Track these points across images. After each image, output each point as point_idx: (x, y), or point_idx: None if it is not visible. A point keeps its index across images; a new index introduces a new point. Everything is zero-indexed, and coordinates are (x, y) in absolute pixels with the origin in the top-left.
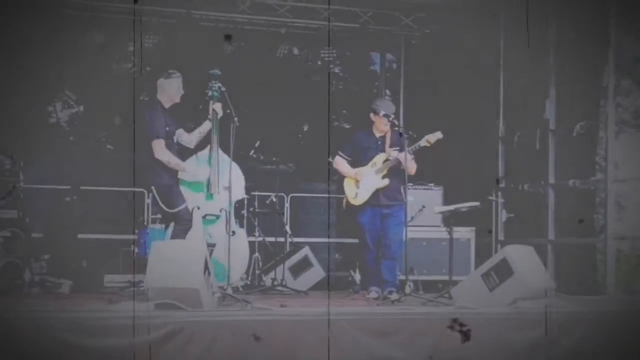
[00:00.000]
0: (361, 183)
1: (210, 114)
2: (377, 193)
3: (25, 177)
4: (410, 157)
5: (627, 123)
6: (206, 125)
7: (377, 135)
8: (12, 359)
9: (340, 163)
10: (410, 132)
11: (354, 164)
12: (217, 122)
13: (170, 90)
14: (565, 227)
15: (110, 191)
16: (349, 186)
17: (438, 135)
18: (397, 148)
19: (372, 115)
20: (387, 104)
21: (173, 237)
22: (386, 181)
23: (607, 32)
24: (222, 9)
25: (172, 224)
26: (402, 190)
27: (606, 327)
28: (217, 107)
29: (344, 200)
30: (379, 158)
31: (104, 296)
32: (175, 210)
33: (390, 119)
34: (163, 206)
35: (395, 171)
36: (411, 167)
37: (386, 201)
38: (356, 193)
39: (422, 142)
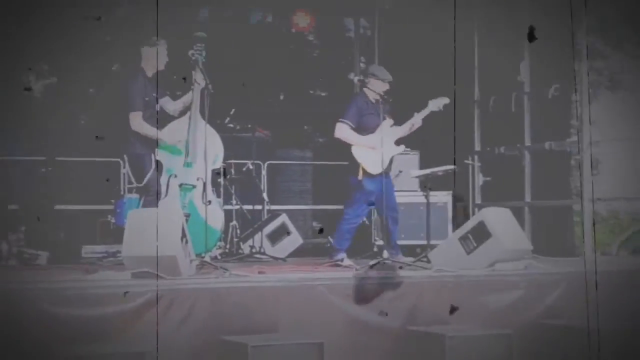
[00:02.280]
0: (377, 151)
1: (193, 84)
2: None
3: (1, 148)
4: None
5: (601, 85)
6: (189, 95)
7: (373, 101)
8: None
9: (346, 130)
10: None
11: (357, 131)
12: (198, 92)
13: (154, 57)
14: (542, 189)
15: (86, 161)
16: (362, 154)
17: (445, 100)
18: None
19: (369, 80)
20: (382, 70)
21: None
22: (401, 147)
23: None
24: None
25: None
26: None
27: (583, 288)
28: (199, 77)
29: (360, 170)
30: (406, 125)
31: (81, 267)
32: (143, 183)
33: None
34: (132, 179)
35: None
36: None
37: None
38: (373, 161)
39: (433, 107)
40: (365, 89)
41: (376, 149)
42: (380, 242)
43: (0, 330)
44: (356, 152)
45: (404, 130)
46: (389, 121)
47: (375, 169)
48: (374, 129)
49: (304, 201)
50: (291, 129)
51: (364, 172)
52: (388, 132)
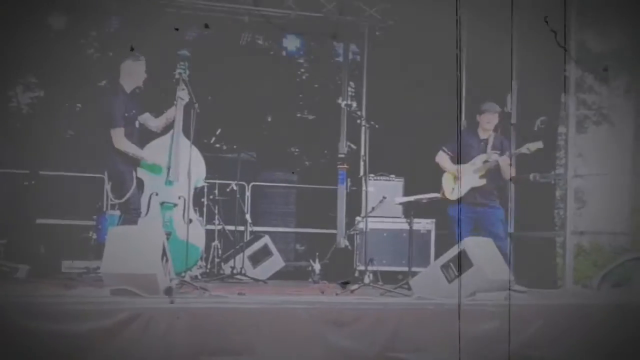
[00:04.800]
0: (460, 180)
1: (176, 100)
2: (473, 191)
3: None
4: (508, 161)
5: (589, 119)
6: (172, 111)
7: (481, 137)
8: None
9: (443, 158)
10: (372, 123)
11: (455, 161)
12: (180, 109)
13: (133, 73)
14: (525, 220)
15: (70, 176)
16: (447, 181)
17: (539, 144)
18: (498, 152)
19: (477, 116)
20: (492, 105)
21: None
22: (483, 181)
23: (568, 28)
24: None
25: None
26: (495, 192)
27: (562, 321)
28: (183, 93)
29: (441, 193)
30: (479, 158)
31: (61, 282)
32: (123, 199)
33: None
34: (111, 196)
35: (493, 173)
36: (507, 170)
37: (481, 200)
38: (453, 188)
39: (524, 149)
40: (479, 130)
41: (460, 178)
42: (362, 267)
43: None
44: (444, 177)
45: (490, 165)
46: (482, 157)
47: (452, 195)
48: (468, 161)
49: (288, 224)
50: (277, 151)
51: (443, 195)
52: (478, 164)
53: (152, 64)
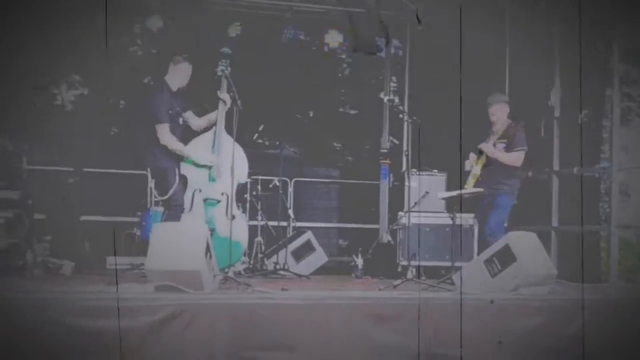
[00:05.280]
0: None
1: (219, 101)
2: (477, 182)
3: (29, 158)
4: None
5: (633, 111)
6: (214, 114)
7: (493, 129)
8: (14, 340)
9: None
10: (415, 118)
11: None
12: (223, 111)
13: (182, 74)
14: (570, 214)
15: (114, 173)
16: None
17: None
18: (504, 142)
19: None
20: (493, 97)
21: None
22: (477, 170)
23: (612, 21)
24: None
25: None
26: (499, 179)
27: (607, 316)
28: (225, 96)
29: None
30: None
31: (105, 278)
32: (166, 196)
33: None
34: (155, 193)
35: (493, 161)
36: (503, 157)
37: (485, 189)
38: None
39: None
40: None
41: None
42: (405, 262)
43: (21, 339)
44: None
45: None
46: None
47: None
48: None
49: (330, 219)
50: (320, 146)
51: None
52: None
53: (195, 61)
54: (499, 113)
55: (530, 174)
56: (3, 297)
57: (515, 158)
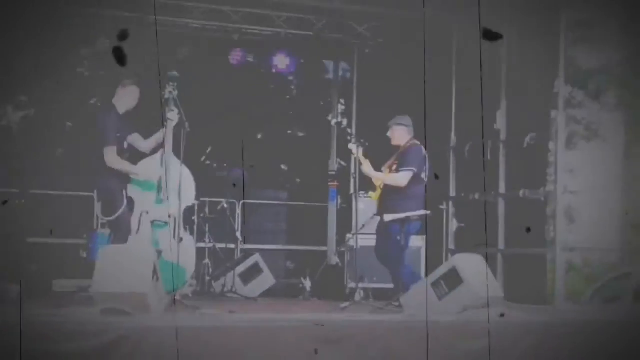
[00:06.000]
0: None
1: (165, 121)
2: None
3: None
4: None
5: (578, 135)
6: (162, 134)
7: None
8: None
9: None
10: (362, 140)
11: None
12: (170, 130)
13: (127, 98)
14: (516, 237)
15: (60, 195)
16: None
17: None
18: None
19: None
20: (396, 119)
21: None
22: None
23: (557, 45)
24: (176, 15)
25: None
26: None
27: (553, 338)
28: (172, 115)
29: None
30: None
31: (52, 301)
32: (113, 218)
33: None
34: (101, 215)
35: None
36: (385, 178)
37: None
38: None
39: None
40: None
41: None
42: (353, 285)
43: None
44: None
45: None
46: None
47: None
48: None
49: (278, 241)
50: (268, 169)
51: None
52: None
53: (142, 83)
54: (397, 136)
55: (476, 196)
56: None
57: (399, 178)
